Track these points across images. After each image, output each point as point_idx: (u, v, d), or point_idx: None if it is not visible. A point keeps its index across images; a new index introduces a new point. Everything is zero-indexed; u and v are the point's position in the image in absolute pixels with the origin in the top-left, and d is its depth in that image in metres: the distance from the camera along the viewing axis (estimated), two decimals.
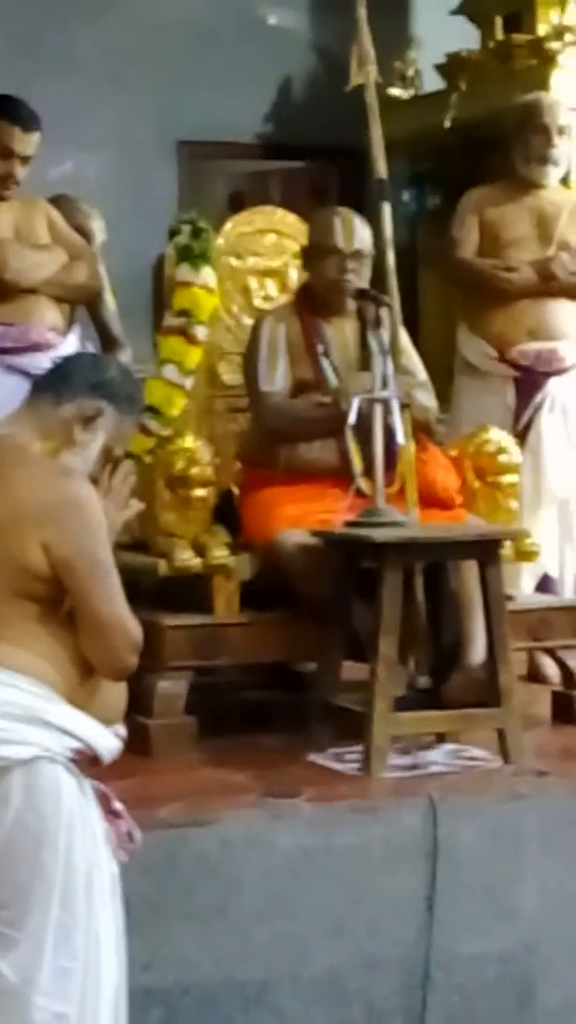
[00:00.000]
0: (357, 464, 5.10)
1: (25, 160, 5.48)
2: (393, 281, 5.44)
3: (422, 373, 5.51)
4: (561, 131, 6.15)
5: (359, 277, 5.34)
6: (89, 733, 3.34)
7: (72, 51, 8.38)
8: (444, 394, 5.98)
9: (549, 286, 6.07)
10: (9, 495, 3.33)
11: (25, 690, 3.27)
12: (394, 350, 5.27)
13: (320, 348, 5.35)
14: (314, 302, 5.42)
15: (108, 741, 3.40)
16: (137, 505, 3.61)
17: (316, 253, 5.40)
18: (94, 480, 3.47)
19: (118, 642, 3.35)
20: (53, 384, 3.52)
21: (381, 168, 5.53)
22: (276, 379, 5.32)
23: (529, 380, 6.09)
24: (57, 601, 3.34)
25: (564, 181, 6.35)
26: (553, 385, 6.10)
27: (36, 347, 5.28)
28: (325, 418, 5.20)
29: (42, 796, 3.25)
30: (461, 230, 6.21)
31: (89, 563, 3.32)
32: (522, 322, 6.06)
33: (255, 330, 5.42)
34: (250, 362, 5.39)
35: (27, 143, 5.47)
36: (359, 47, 5.55)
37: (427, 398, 5.45)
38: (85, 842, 3.31)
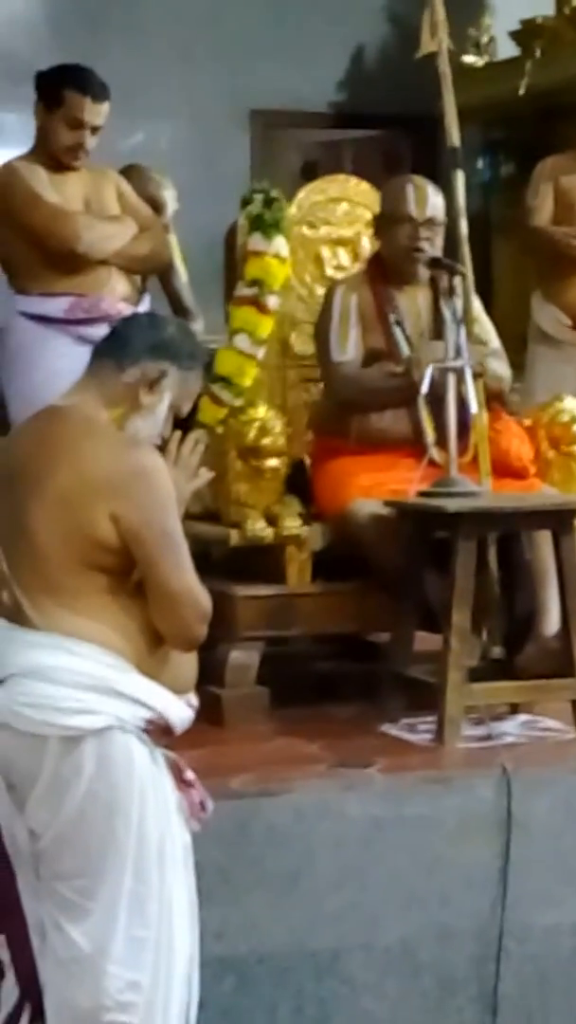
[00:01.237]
0: (430, 434, 5.08)
1: (95, 130, 5.48)
2: (466, 249, 5.40)
3: (495, 341, 5.47)
4: None
5: (432, 245, 5.30)
6: (161, 703, 3.34)
7: (142, 21, 8.37)
8: (517, 363, 5.94)
9: None
10: (77, 467, 3.32)
11: (97, 660, 3.28)
12: (467, 319, 5.23)
13: (392, 317, 5.32)
14: (386, 271, 5.39)
15: (180, 711, 3.40)
16: (207, 475, 3.61)
17: (388, 221, 5.37)
18: (162, 448, 3.47)
19: (187, 613, 3.35)
20: (113, 350, 3.51)
21: (454, 136, 5.49)
22: (348, 348, 5.30)
23: None
24: (127, 572, 3.34)
25: None
26: None
27: (107, 318, 5.27)
28: (397, 388, 5.17)
29: (114, 766, 3.26)
30: (535, 198, 6.17)
31: (158, 534, 3.32)
32: None
33: (327, 299, 5.39)
34: (322, 332, 5.37)
35: (97, 113, 5.46)
36: (431, 14, 5.51)
37: (501, 367, 5.41)
38: (157, 812, 3.32)
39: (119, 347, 3.51)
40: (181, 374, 3.51)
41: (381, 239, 5.44)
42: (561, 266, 6.06)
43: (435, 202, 5.33)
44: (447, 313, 5.10)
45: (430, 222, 5.30)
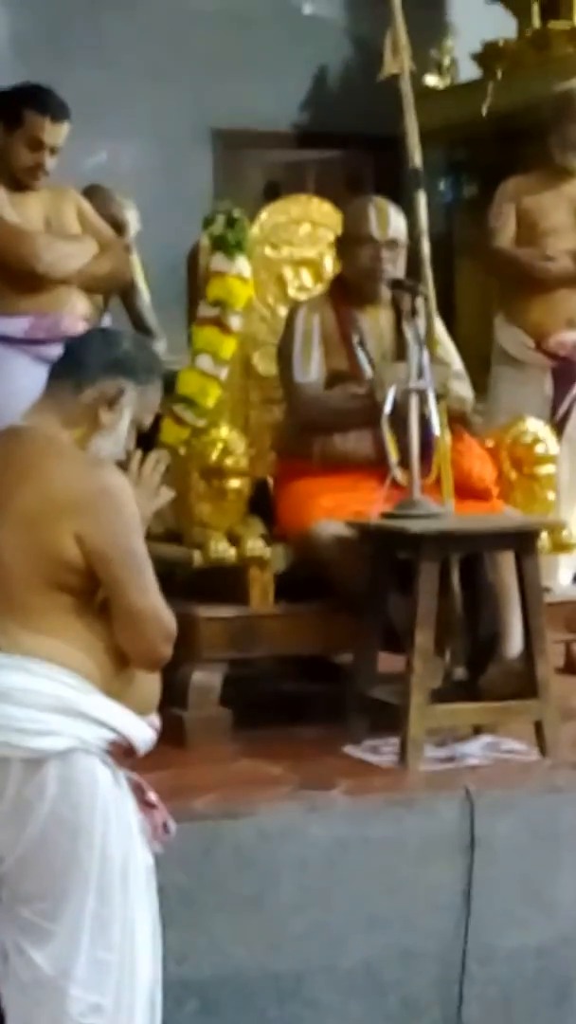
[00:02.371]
0: (393, 455, 5.08)
1: (54, 151, 5.47)
2: (428, 270, 5.41)
3: (458, 363, 5.48)
4: None
5: (394, 266, 5.31)
6: (125, 724, 3.33)
7: (105, 40, 8.37)
8: (480, 384, 5.95)
9: None
10: (42, 487, 3.31)
11: (60, 681, 3.26)
12: (429, 340, 5.24)
13: (355, 338, 5.32)
14: (348, 292, 5.40)
15: (143, 732, 3.39)
16: (168, 494, 3.60)
17: (350, 242, 5.37)
18: (123, 465, 3.46)
19: (152, 633, 3.34)
20: (69, 371, 3.49)
21: (416, 157, 5.50)
22: (311, 370, 5.30)
23: (567, 370, 6.06)
24: (91, 592, 3.33)
25: None
26: None
27: (67, 338, 5.26)
28: (360, 409, 5.18)
29: (77, 788, 3.25)
30: (498, 219, 6.17)
31: (123, 554, 3.31)
32: (560, 311, 6.03)
33: (289, 320, 5.40)
34: (284, 353, 5.37)
35: (57, 134, 5.45)
36: (394, 36, 5.52)
37: (463, 388, 5.42)
38: (120, 833, 3.30)
39: (74, 368, 3.49)
40: (139, 389, 3.50)
41: (343, 260, 5.45)
42: (524, 287, 6.07)
43: (397, 223, 5.34)
44: (409, 334, 5.10)
45: (392, 243, 5.31)
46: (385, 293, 5.34)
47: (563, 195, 6.14)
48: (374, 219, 5.32)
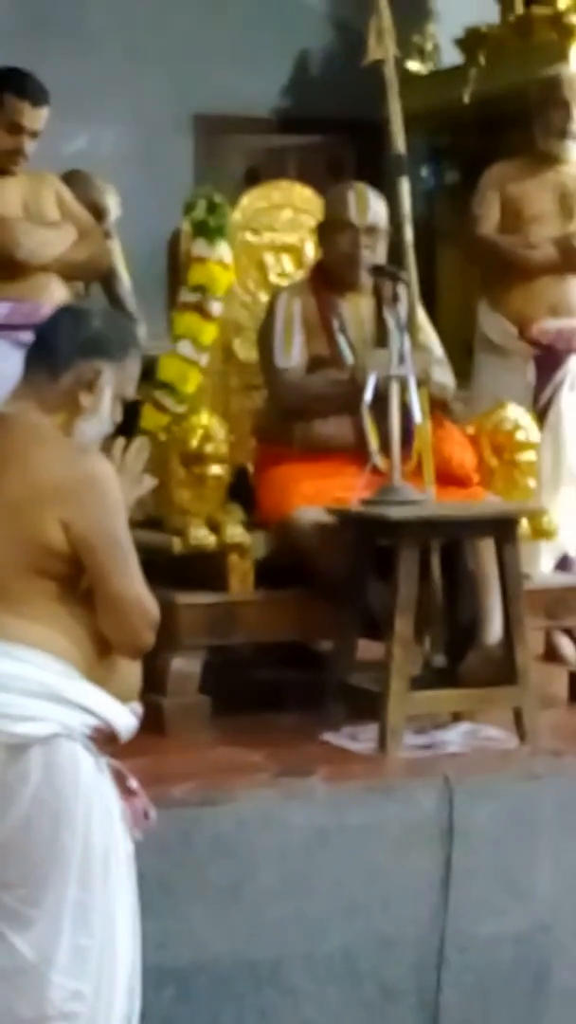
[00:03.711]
0: (373, 441, 5.07)
1: (34, 135, 5.44)
2: (411, 256, 5.41)
3: (439, 350, 5.48)
4: None
5: (373, 252, 5.30)
6: (108, 710, 3.33)
7: (86, 25, 8.33)
8: (462, 370, 5.95)
9: (570, 263, 6.03)
10: (27, 473, 3.30)
11: (44, 667, 3.26)
12: (411, 326, 5.24)
13: (336, 324, 5.32)
14: (329, 278, 5.38)
15: (126, 719, 3.38)
16: (151, 481, 3.59)
17: (330, 228, 5.36)
18: (106, 449, 3.45)
19: (136, 620, 3.34)
20: (43, 357, 3.46)
21: (399, 143, 5.50)
22: (292, 355, 5.29)
23: (549, 358, 6.05)
24: (75, 579, 3.32)
25: None
26: (574, 363, 6.06)
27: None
28: (342, 395, 5.17)
29: (61, 774, 3.24)
30: (482, 206, 6.16)
31: (108, 541, 3.31)
32: (543, 299, 6.02)
33: (270, 306, 5.39)
34: (265, 338, 5.36)
35: (37, 118, 5.42)
36: (377, 21, 5.51)
37: (444, 375, 5.41)
38: (102, 820, 3.30)
39: (48, 354, 3.46)
40: (116, 366, 3.47)
41: (323, 246, 5.44)
42: (507, 275, 6.06)
43: (376, 209, 5.33)
44: (391, 321, 5.10)
45: (371, 229, 5.30)
46: (366, 279, 5.33)
47: (547, 182, 6.13)
48: (353, 205, 5.31)
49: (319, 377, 5.27)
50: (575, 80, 6.22)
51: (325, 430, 5.23)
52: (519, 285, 6.04)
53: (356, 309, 5.37)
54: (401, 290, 5.18)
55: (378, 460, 5.05)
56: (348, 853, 4.29)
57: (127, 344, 3.54)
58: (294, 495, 5.07)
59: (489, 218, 6.12)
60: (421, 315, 5.46)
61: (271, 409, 5.41)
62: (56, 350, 3.45)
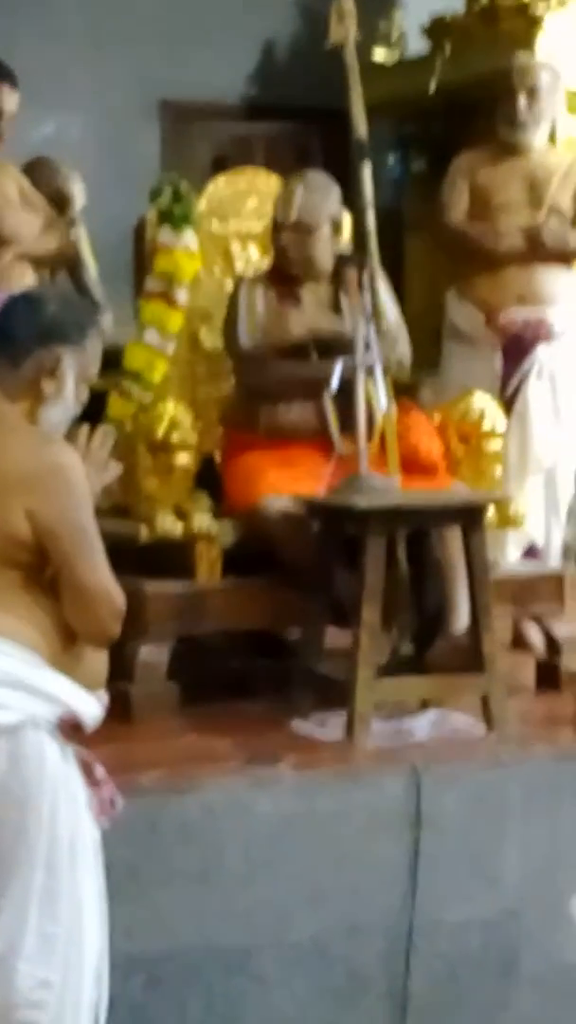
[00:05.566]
0: (334, 425, 5.06)
1: (11, 118, 5.44)
2: (374, 243, 5.39)
3: (393, 314, 5.43)
4: (531, 93, 6.10)
5: (300, 249, 5.27)
6: (74, 699, 3.31)
7: (51, 10, 8.28)
8: (430, 359, 5.95)
9: (538, 252, 6.03)
10: None
11: (9, 656, 3.24)
12: (376, 314, 5.23)
13: (294, 313, 5.30)
14: (286, 269, 5.38)
15: (92, 708, 3.37)
16: (116, 469, 3.57)
17: (273, 223, 5.38)
18: (72, 437, 3.44)
19: (102, 610, 3.33)
20: (2, 347, 3.43)
21: (361, 129, 5.49)
22: (257, 336, 5.29)
23: (517, 347, 6.04)
24: (40, 568, 3.31)
25: (552, 140, 6.31)
26: (541, 352, 6.05)
27: None
28: (307, 379, 5.16)
29: (26, 762, 3.23)
30: (451, 194, 6.15)
31: (73, 531, 3.30)
32: (511, 288, 6.02)
33: (233, 294, 5.40)
34: (229, 322, 5.36)
35: (12, 100, 5.43)
36: (338, 3, 5.50)
37: (401, 344, 5.38)
38: (68, 808, 3.29)
39: (6, 343, 3.43)
40: (76, 350, 3.44)
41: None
42: (475, 263, 6.06)
43: (306, 204, 5.27)
44: (355, 309, 5.10)
45: (296, 225, 5.28)
46: (318, 271, 5.32)
47: (517, 171, 6.12)
48: (281, 203, 5.32)
49: (285, 362, 5.26)
50: (528, 68, 6.21)
51: (289, 415, 5.23)
52: (487, 274, 6.04)
53: (315, 296, 5.36)
54: (366, 278, 5.17)
55: (338, 443, 5.04)
56: (316, 840, 4.30)
57: (85, 326, 3.51)
58: (261, 483, 5.07)
59: (458, 206, 6.12)
60: (382, 287, 5.43)
61: (237, 394, 5.42)
62: (13, 338, 3.43)
